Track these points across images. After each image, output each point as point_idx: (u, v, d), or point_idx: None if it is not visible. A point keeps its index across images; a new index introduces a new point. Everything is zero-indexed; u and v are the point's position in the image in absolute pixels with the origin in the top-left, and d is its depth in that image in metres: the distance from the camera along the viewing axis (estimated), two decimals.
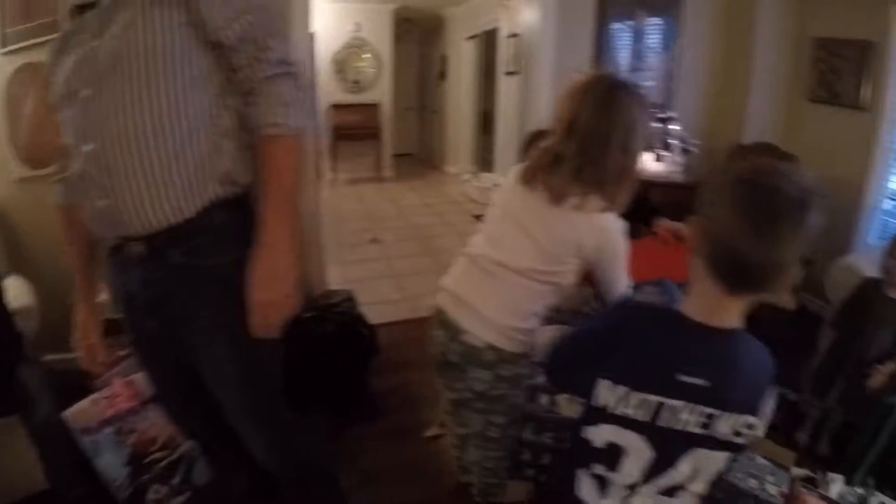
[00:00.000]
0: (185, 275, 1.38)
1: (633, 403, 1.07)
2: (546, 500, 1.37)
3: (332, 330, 2.69)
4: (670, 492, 1.13)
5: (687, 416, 1.05)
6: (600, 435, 1.13)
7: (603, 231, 1.54)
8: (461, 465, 2.08)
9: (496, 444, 1.89)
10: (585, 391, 1.14)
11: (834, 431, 2.86)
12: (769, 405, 1.12)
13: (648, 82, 4.09)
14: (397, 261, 5.11)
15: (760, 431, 1.10)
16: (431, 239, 5.77)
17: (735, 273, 0.99)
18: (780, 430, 2.89)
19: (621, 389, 1.08)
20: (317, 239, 3.36)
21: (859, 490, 2.47)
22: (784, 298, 3.28)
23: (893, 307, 2.59)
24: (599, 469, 1.16)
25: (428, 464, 2.48)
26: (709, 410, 1.04)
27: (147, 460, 2.17)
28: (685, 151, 3.66)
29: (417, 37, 9.56)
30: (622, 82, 1.57)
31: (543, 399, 2.57)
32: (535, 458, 2.34)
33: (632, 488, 1.14)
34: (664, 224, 2.33)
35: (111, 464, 2.14)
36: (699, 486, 1.13)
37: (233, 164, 1.38)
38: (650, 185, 3.43)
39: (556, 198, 1.53)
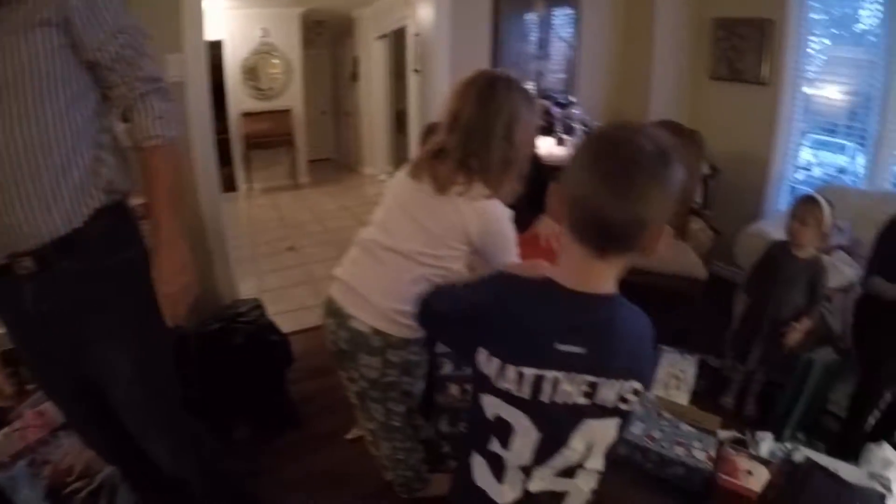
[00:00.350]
0: (77, 281, 1.43)
1: (511, 378, 1.02)
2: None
3: (242, 340, 2.59)
4: (568, 472, 1.09)
5: (569, 387, 1.01)
6: (489, 405, 1.08)
7: (486, 216, 1.60)
8: (382, 463, 2.08)
9: (402, 435, 1.95)
10: (461, 348, 1.13)
11: (758, 392, 2.90)
12: (655, 370, 1.09)
13: (552, 70, 4.09)
14: (315, 266, 4.96)
15: (645, 398, 1.04)
16: (349, 242, 5.43)
17: (598, 234, 0.96)
18: (705, 397, 2.92)
19: (496, 362, 1.03)
20: (222, 250, 3.20)
21: (788, 445, 2.50)
22: (693, 264, 3.32)
23: (800, 266, 2.63)
24: (495, 446, 1.10)
25: (351, 467, 2.42)
26: (590, 378, 1.00)
27: (66, 491, 2.07)
28: (587, 133, 3.68)
29: (328, 40, 9.39)
30: (504, 76, 1.64)
31: (454, 389, 2.52)
32: (456, 449, 2.30)
33: (526, 472, 1.09)
34: (545, 224, 2.26)
35: (30, 499, 2.01)
36: (596, 462, 1.10)
37: (114, 174, 1.47)
38: (553, 170, 3.46)
39: (442, 187, 1.59)
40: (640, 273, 3.22)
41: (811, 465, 1.79)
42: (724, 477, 2.24)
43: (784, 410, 2.73)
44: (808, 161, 3.94)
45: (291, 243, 5.57)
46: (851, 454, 2.46)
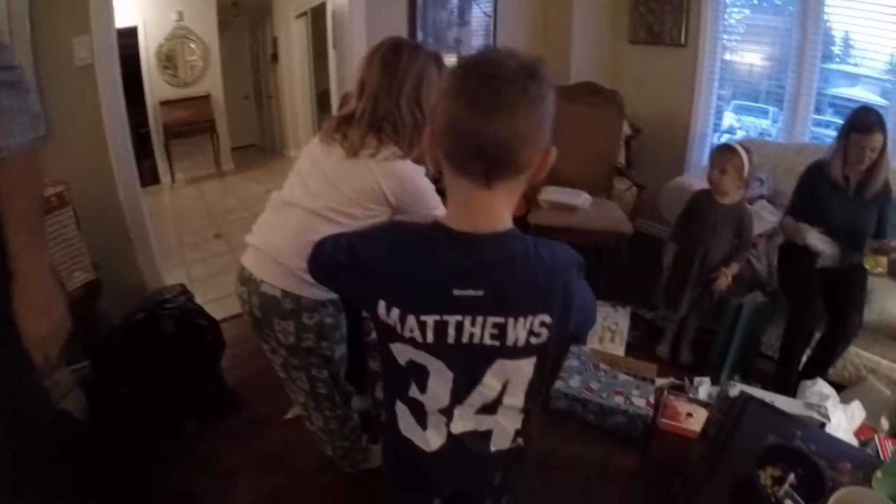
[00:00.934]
0: None
1: (412, 326, 0.97)
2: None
3: (170, 327, 2.48)
4: (488, 409, 1.07)
5: (474, 330, 0.97)
6: (400, 353, 1.03)
7: (399, 175, 1.60)
8: (319, 437, 2.05)
9: (330, 403, 1.92)
10: (360, 300, 1.08)
11: (692, 340, 2.99)
12: (586, 300, 1.05)
13: (471, 38, 4.04)
14: (242, 252, 4.81)
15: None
16: None
17: (477, 159, 0.90)
18: (640, 348, 2.99)
19: (396, 312, 0.98)
20: (144, 241, 3.09)
21: (734, 383, 2.57)
22: (619, 220, 3.38)
23: (725, 212, 2.71)
24: (413, 391, 1.07)
25: (293, 446, 2.37)
26: (494, 319, 0.96)
27: None
28: None
29: (247, 21, 9.10)
30: (409, 42, 1.69)
31: None
32: None
33: (447, 413, 1.07)
34: None
35: None
36: (516, 400, 1.07)
37: None
38: None
39: (353, 150, 1.59)
40: (567, 231, 3.31)
41: (746, 397, 1.84)
42: (665, 421, 2.29)
43: (718, 355, 2.82)
44: (731, 125, 4.09)
45: (218, 231, 5.40)
46: (786, 393, 2.54)
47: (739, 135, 4.01)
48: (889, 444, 2.26)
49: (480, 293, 0.94)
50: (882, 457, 2.17)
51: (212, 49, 7.38)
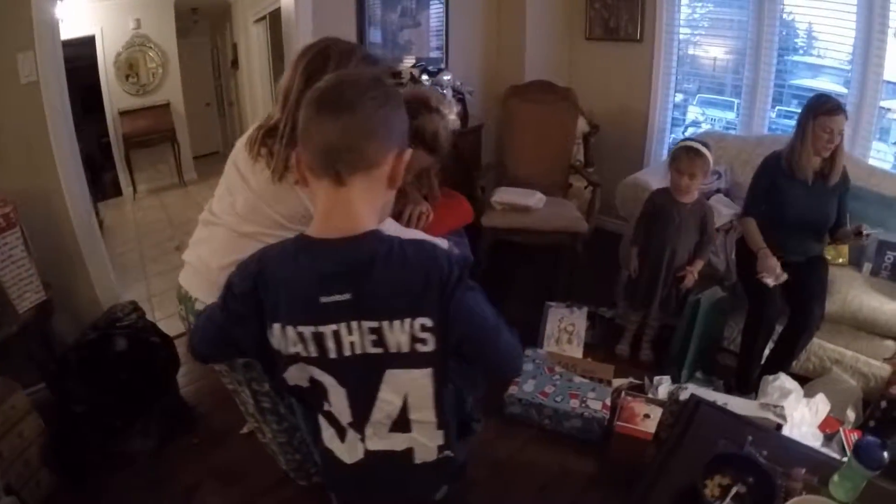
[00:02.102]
0: None
1: (294, 340, 0.99)
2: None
3: (123, 346, 2.41)
4: (400, 426, 1.07)
5: (353, 338, 0.98)
6: (299, 372, 1.04)
7: None
8: (271, 450, 2.00)
9: (275, 416, 1.84)
10: (253, 339, 1.03)
11: (653, 337, 2.92)
12: (470, 300, 1.00)
13: (424, 39, 3.90)
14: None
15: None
16: None
17: (326, 157, 0.94)
18: (600, 347, 2.93)
19: (276, 328, 0.99)
20: (98, 257, 2.94)
21: (685, 385, 2.50)
22: (575, 219, 3.31)
23: (688, 211, 2.65)
24: (326, 405, 1.08)
25: (249, 461, 2.30)
26: (370, 324, 0.96)
27: None
28: (460, 100, 3.62)
29: (207, 27, 8.94)
30: (342, 45, 1.52)
31: None
32: None
33: (357, 429, 1.08)
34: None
35: None
36: (425, 415, 1.07)
37: None
38: None
39: (278, 175, 1.47)
40: (522, 232, 3.24)
41: (697, 400, 1.76)
42: (621, 423, 2.21)
43: (678, 352, 2.74)
44: (696, 119, 4.04)
45: (178, 243, 5.26)
46: (749, 387, 2.54)
47: (705, 128, 3.97)
48: (855, 437, 2.21)
49: (347, 297, 0.94)
50: (847, 449, 2.12)
51: (171, 56, 7.20)
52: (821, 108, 2.43)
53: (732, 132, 3.79)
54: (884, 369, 2.54)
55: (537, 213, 3.26)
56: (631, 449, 2.15)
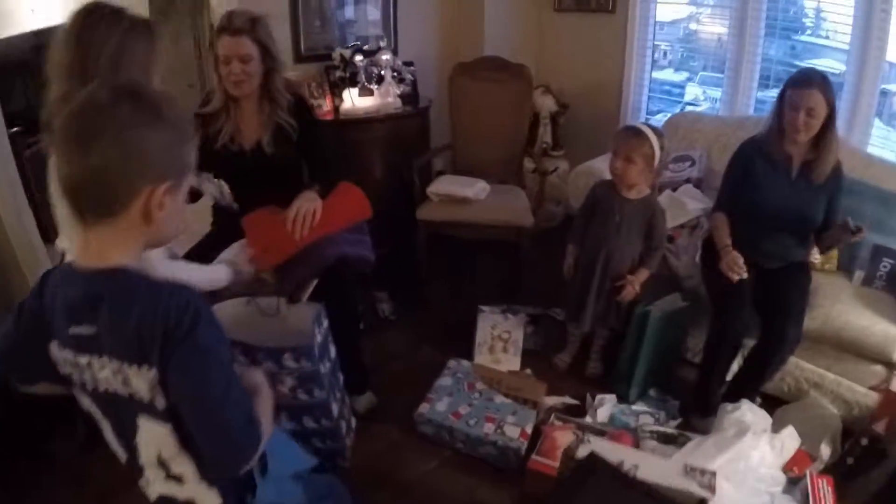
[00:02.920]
0: None
1: (62, 360, 0.94)
2: None
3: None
4: (175, 478, 1.00)
5: (104, 374, 0.91)
6: (83, 401, 1.00)
7: None
8: None
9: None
10: (41, 356, 0.96)
11: (602, 347, 2.53)
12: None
13: (365, 15, 3.47)
14: None
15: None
16: None
17: (68, 195, 0.86)
18: (544, 358, 2.56)
19: (54, 343, 0.94)
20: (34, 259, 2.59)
21: (634, 407, 2.23)
22: (520, 211, 2.90)
23: (632, 209, 2.23)
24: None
25: None
26: (114, 363, 0.89)
27: None
28: (401, 80, 3.25)
29: (187, 8, 8.59)
30: (110, 6, 1.43)
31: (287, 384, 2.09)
32: None
33: (137, 472, 1.02)
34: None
35: None
36: (186, 470, 0.98)
37: None
38: (360, 124, 3.04)
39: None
40: (460, 226, 2.85)
41: (594, 462, 1.36)
42: (537, 458, 1.83)
43: (626, 368, 2.34)
44: (695, 97, 3.67)
45: None
46: (709, 409, 2.14)
47: (704, 107, 3.61)
48: (822, 484, 1.81)
49: (93, 330, 0.89)
50: (811, 500, 1.72)
51: None
52: (791, 81, 2.05)
53: (708, 111, 3.41)
54: (869, 397, 2.15)
55: (478, 204, 2.86)
56: (545, 488, 1.76)
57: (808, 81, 2.00)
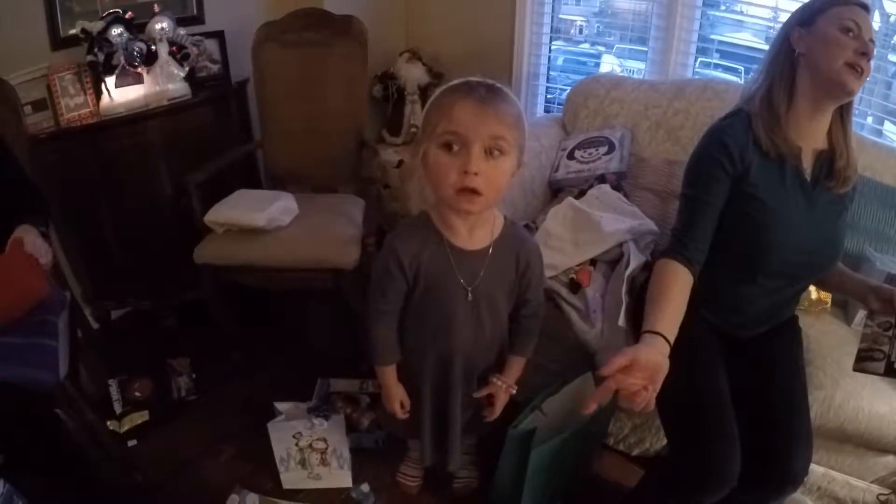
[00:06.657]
0: None
1: None
2: None
3: None
4: None
5: None
6: None
7: None
8: None
9: None
10: None
11: (473, 447, 1.59)
12: None
13: None
14: None
15: None
16: None
17: None
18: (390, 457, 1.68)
19: None
20: None
21: None
22: (339, 247, 1.87)
23: (469, 259, 1.19)
24: None
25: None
26: None
27: None
28: (185, 57, 2.16)
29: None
30: None
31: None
32: None
33: None
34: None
35: None
36: None
37: None
38: (123, 125, 1.98)
39: None
40: (249, 272, 1.81)
41: None
42: None
43: (510, 490, 1.43)
44: (611, 70, 3.01)
45: None
46: None
47: None
48: None
49: None
50: None
51: None
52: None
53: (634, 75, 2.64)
54: (870, 493, 1.51)
55: (273, 237, 1.83)
56: None
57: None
